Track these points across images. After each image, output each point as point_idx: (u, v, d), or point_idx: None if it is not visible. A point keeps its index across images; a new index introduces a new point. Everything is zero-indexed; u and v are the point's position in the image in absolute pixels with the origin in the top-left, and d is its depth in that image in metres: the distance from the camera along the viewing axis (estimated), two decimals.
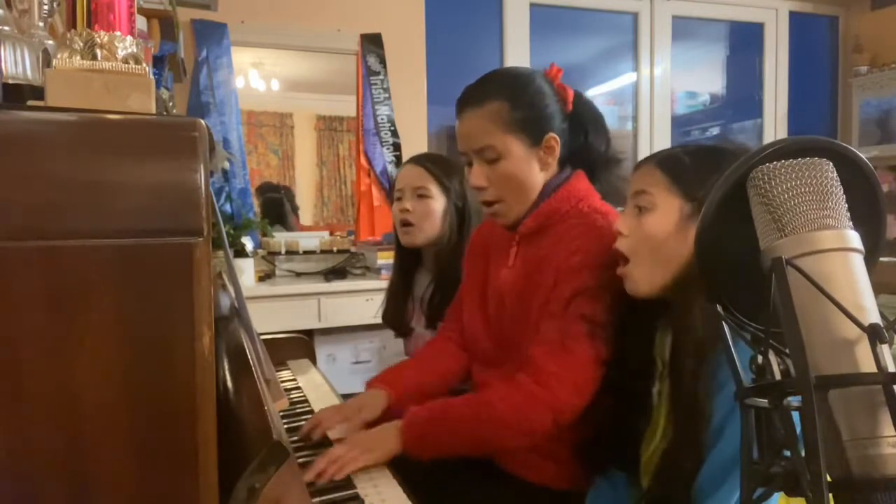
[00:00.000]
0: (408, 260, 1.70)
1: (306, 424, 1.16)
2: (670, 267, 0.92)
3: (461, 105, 1.16)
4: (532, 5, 3.49)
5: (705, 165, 0.93)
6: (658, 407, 0.98)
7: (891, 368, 0.38)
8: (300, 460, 1.03)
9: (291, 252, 3.02)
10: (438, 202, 1.60)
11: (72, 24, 0.63)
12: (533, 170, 1.14)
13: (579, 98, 1.20)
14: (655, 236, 0.93)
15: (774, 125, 4.05)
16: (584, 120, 1.19)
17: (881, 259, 0.47)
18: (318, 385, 1.50)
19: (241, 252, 2.64)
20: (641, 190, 0.96)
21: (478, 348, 1.27)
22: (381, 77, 3.15)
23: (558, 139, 1.14)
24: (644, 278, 0.95)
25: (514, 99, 1.12)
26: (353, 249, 3.12)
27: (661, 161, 0.96)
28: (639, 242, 0.95)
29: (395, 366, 1.37)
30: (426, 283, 1.64)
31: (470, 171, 1.16)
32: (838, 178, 0.43)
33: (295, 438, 1.14)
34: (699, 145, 1.03)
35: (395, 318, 1.71)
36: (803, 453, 0.38)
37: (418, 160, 1.67)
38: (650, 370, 0.99)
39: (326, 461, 0.99)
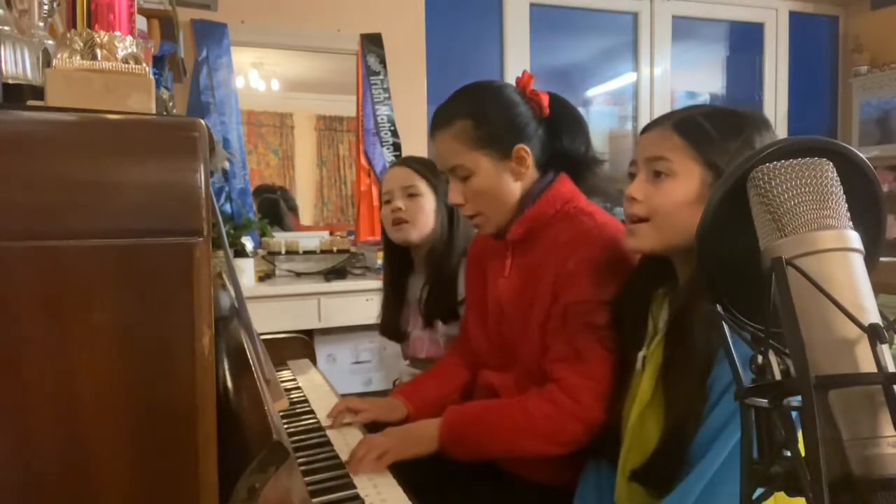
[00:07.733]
0: (399, 266, 1.71)
1: (335, 408, 1.23)
2: (684, 234, 0.89)
3: (432, 127, 1.20)
4: (532, 5, 3.48)
5: (726, 131, 0.90)
6: (641, 372, 0.96)
7: (891, 368, 0.38)
8: (300, 461, 1.03)
9: (291, 252, 3.02)
10: (429, 200, 1.60)
11: (72, 24, 0.63)
12: (505, 182, 1.16)
13: (556, 101, 1.20)
14: (675, 204, 0.91)
15: (774, 125, 4.03)
16: (561, 123, 1.20)
17: (881, 259, 0.47)
18: (318, 385, 1.50)
19: (241, 252, 2.64)
20: (659, 156, 0.92)
21: (483, 356, 1.30)
22: (381, 77, 3.15)
23: (528, 150, 1.15)
24: (656, 241, 0.93)
25: (479, 116, 1.14)
26: (353, 249, 3.12)
27: (678, 125, 0.92)
28: (656, 209, 0.92)
29: (412, 380, 1.42)
30: (420, 286, 1.64)
31: (449, 189, 1.20)
32: (838, 178, 0.43)
33: (295, 439, 1.14)
34: (714, 107, 0.97)
35: (392, 328, 1.72)
36: (803, 453, 0.38)
37: (404, 162, 1.68)
38: (643, 336, 0.99)
39: (367, 448, 1.02)
